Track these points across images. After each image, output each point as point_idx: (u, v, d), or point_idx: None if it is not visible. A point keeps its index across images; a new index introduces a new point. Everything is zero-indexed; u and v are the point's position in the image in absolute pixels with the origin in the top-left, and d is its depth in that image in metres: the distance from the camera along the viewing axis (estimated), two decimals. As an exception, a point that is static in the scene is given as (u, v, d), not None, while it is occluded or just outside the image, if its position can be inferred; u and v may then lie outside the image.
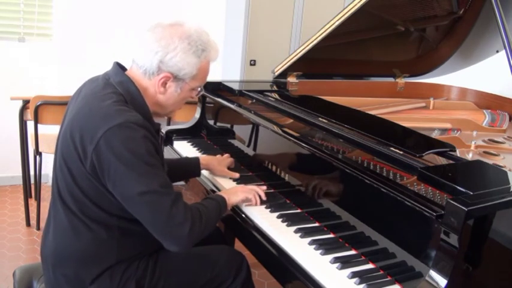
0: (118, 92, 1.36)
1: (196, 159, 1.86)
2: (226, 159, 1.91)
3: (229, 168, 1.88)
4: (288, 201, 1.65)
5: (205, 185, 1.83)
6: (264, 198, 1.61)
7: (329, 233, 1.45)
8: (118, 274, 1.38)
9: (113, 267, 1.37)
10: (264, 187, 1.67)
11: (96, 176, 1.29)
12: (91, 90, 1.39)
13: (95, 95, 1.36)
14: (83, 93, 1.41)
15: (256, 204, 1.59)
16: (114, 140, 1.24)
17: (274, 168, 1.78)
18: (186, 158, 1.93)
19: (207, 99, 2.29)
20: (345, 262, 1.29)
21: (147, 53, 1.36)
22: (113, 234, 1.36)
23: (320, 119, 1.75)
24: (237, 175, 1.84)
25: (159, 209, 1.28)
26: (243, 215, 1.57)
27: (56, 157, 1.42)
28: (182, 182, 1.93)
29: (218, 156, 1.93)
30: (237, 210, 1.60)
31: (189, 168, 1.85)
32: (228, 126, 2.21)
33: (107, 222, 1.35)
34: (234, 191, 1.61)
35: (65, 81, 3.22)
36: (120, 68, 1.43)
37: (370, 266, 1.29)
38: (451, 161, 1.43)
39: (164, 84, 1.40)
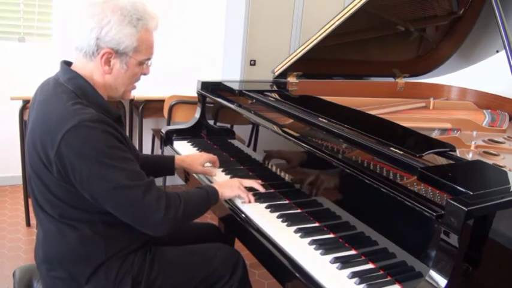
0: (68, 89, 1.33)
1: (171, 157, 1.83)
2: (201, 157, 1.86)
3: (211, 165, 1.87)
4: (288, 201, 1.65)
5: (204, 183, 1.83)
6: (262, 190, 1.62)
7: (329, 233, 1.45)
8: (113, 271, 1.38)
9: (106, 264, 1.37)
10: (259, 181, 1.67)
11: (65, 180, 1.28)
12: (43, 96, 1.37)
13: (47, 99, 1.35)
14: (37, 100, 1.39)
15: (249, 202, 1.59)
16: (73, 142, 1.23)
17: (274, 168, 1.78)
18: (160, 156, 1.90)
19: (207, 99, 2.29)
20: (345, 262, 1.29)
21: (82, 33, 1.33)
22: (97, 230, 1.36)
23: (320, 119, 1.75)
24: (213, 173, 1.84)
25: (130, 202, 1.29)
26: (243, 215, 1.57)
27: (27, 168, 1.41)
28: (182, 182, 1.93)
29: (195, 153, 1.90)
30: (237, 210, 1.60)
31: (161, 166, 1.82)
32: (228, 126, 2.21)
33: (89, 219, 1.35)
34: (230, 185, 1.61)
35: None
36: (66, 65, 1.40)
37: (370, 266, 1.29)
38: (451, 161, 1.43)
39: (108, 62, 1.35)
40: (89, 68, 1.37)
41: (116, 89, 1.42)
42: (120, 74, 1.39)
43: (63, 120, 1.25)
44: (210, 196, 1.51)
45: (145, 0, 1.40)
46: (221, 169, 1.90)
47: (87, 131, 1.24)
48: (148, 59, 1.43)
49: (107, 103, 1.39)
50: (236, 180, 1.64)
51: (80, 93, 1.34)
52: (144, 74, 1.46)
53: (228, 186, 1.60)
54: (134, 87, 1.48)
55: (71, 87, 1.34)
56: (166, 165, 1.81)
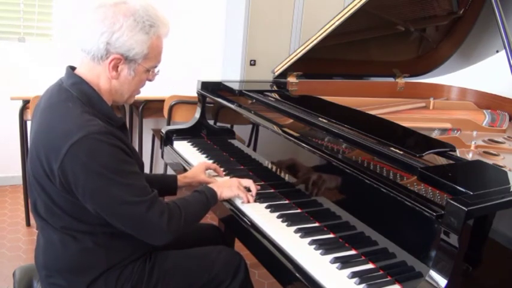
0: (73, 95, 1.30)
1: (173, 177, 1.76)
2: (200, 165, 1.82)
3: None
4: (288, 201, 1.65)
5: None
6: (254, 194, 1.62)
7: (329, 233, 1.45)
8: (113, 280, 1.37)
9: (106, 273, 1.36)
10: (258, 187, 1.67)
11: (67, 191, 1.26)
12: (47, 102, 1.34)
13: (51, 107, 1.32)
14: (41, 106, 1.36)
15: (247, 202, 1.60)
16: (79, 155, 1.21)
17: (274, 168, 1.78)
18: (162, 175, 1.85)
19: (207, 99, 2.29)
20: (345, 262, 1.29)
21: (92, 36, 1.28)
22: (99, 242, 1.34)
23: (320, 119, 1.75)
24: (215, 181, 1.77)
25: (134, 217, 1.28)
26: (243, 216, 1.57)
27: (29, 178, 1.38)
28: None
29: (194, 167, 1.85)
30: (237, 210, 1.60)
31: (162, 186, 1.70)
32: (228, 126, 2.21)
33: (91, 231, 1.33)
34: (229, 185, 1.60)
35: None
36: (71, 69, 1.38)
37: (370, 266, 1.29)
38: (451, 161, 1.43)
39: (116, 67, 1.32)
40: (95, 72, 1.34)
41: (121, 95, 1.40)
42: (127, 80, 1.36)
43: (69, 132, 1.22)
44: (209, 200, 1.51)
45: (149, 2, 1.38)
46: (222, 169, 1.90)
47: (93, 144, 1.22)
48: (156, 66, 1.41)
49: (111, 110, 1.37)
50: (235, 180, 1.63)
51: (85, 100, 1.31)
52: (150, 80, 1.44)
53: (227, 186, 1.59)
54: (139, 92, 1.46)
55: (75, 93, 1.31)
56: (168, 186, 1.74)
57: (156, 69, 1.42)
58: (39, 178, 1.31)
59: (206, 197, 1.50)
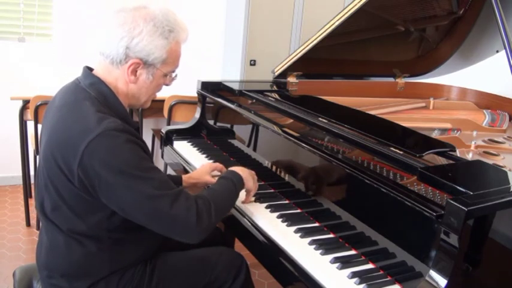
0: (90, 95, 1.30)
1: (179, 177, 1.74)
2: (206, 167, 1.77)
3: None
4: (288, 201, 1.65)
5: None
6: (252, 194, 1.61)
7: (329, 233, 1.45)
8: (114, 283, 1.37)
9: (108, 278, 1.36)
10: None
11: (86, 191, 1.25)
12: (63, 101, 1.33)
13: (67, 105, 1.31)
14: (56, 105, 1.35)
15: (252, 194, 1.58)
16: (97, 152, 1.20)
17: (274, 168, 1.78)
18: (168, 175, 1.83)
19: (207, 99, 2.29)
20: (345, 262, 1.29)
21: (112, 40, 1.29)
22: (103, 247, 1.33)
23: (320, 119, 1.75)
24: None
25: (158, 214, 1.24)
26: (243, 215, 1.57)
27: (39, 176, 1.36)
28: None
29: (199, 167, 1.82)
30: (236, 210, 1.60)
31: None
32: (228, 126, 2.21)
33: (97, 235, 1.32)
34: (247, 174, 1.55)
35: (65, 81, 3.20)
36: (89, 70, 1.38)
37: (370, 266, 1.29)
38: (451, 161, 1.43)
39: (134, 72, 1.33)
40: (113, 75, 1.34)
41: (137, 98, 1.40)
42: (145, 84, 1.36)
43: (86, 130, 1.21)
44: (237, 187, 1.47)
45: (149, 2, 1.38)
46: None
47: (112, 141, 1.21)
48: (173, 70, 1.41)
49: (127, 112, 1.37)
50: (252, 173, 1.58)
51: (102, 100, 1.31)
52: (167, 85, 1.44)
53: (247, 175, 1.54)
54: (155, 97, 1.46)
55: (92, 92, 1.31)
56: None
57: (173, 74, 1.42)
58: (53, 178, 1.29)
59: (234, 185, 1.46)
